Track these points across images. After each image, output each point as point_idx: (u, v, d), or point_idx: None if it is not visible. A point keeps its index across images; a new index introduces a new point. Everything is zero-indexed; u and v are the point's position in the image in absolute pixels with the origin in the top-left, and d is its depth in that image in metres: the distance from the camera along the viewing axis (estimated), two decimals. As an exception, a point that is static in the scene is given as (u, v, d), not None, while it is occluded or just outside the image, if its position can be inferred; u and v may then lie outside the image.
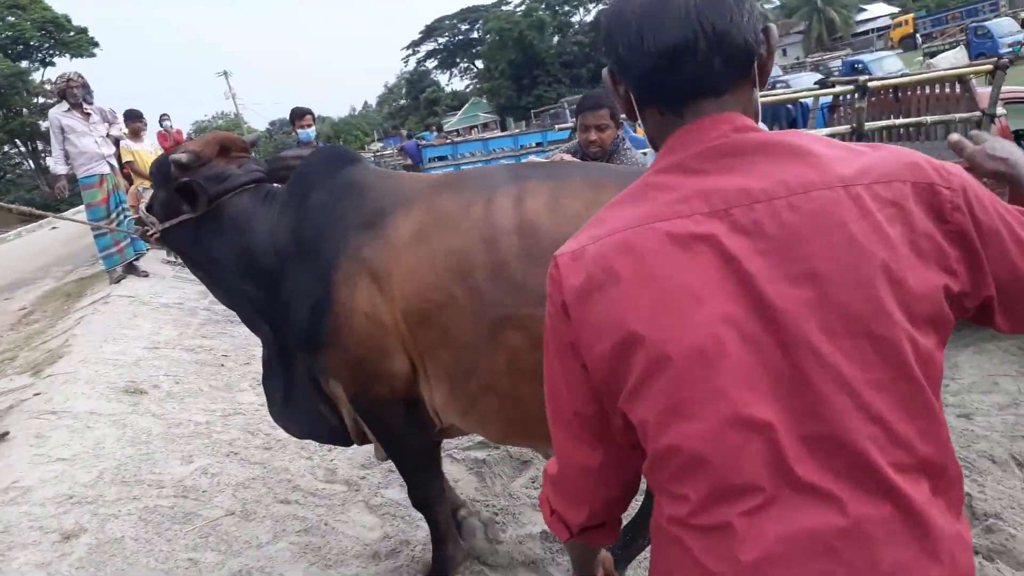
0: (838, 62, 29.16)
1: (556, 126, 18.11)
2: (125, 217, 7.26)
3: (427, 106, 70.36)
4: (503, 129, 52.70)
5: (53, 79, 8.04)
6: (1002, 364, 4.32)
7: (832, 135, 6.37)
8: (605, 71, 1.11)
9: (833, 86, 7.92)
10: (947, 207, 0.95)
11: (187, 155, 2.60)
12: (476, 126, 57.54)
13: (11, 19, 44.43)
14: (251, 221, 2.56)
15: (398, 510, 3.31)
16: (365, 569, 2.84)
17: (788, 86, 18.80)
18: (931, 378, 0.93)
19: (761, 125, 1.09)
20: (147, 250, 7.73)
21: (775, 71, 26.97)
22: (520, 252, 2.10)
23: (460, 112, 60.95)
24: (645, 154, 3.54)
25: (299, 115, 6.40)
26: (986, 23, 27.64)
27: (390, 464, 3.32)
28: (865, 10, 58.78)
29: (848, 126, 6.34)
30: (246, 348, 5.52)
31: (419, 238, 2.24)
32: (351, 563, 2.89)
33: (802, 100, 7.22)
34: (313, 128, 6.50)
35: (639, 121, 1.10)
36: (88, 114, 7.15)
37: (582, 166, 2.61)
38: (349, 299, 2.28)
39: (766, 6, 63.65)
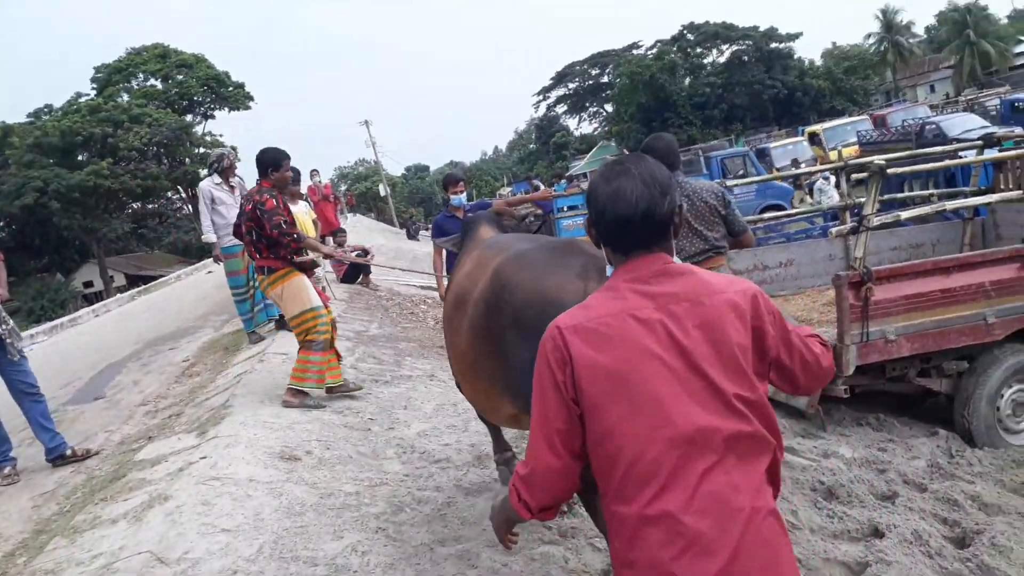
0: (995, 100, 26.79)
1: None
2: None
3: (556, 150, 71.44)
4: (632, 172, 52.39)
5: (213, 154, 8.69)
6: None
7: (1003, 201, 5.91)
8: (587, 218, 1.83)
9: (999, 143, 7.27)
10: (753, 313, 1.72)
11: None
12: (604, 169, 57.45)
13: (180, 78, 48.92)
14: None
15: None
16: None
17: (939, 129, 17.37)
18: None
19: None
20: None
21: (925, 112, 25.68)
22: (451, 302, 3.49)
23: (588, 156, 61.30)
24: None
25: (452, 182, 6.69)
26: None
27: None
28: (1024, 42, 54.86)
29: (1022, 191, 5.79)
30: (390, 411, 5.68)
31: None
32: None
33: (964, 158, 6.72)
34: (464, 195, 6.74)
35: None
36: (233, 187, 7.68)
37: (505, 240, 3.49)
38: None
39: (911, 40, 60.64)
